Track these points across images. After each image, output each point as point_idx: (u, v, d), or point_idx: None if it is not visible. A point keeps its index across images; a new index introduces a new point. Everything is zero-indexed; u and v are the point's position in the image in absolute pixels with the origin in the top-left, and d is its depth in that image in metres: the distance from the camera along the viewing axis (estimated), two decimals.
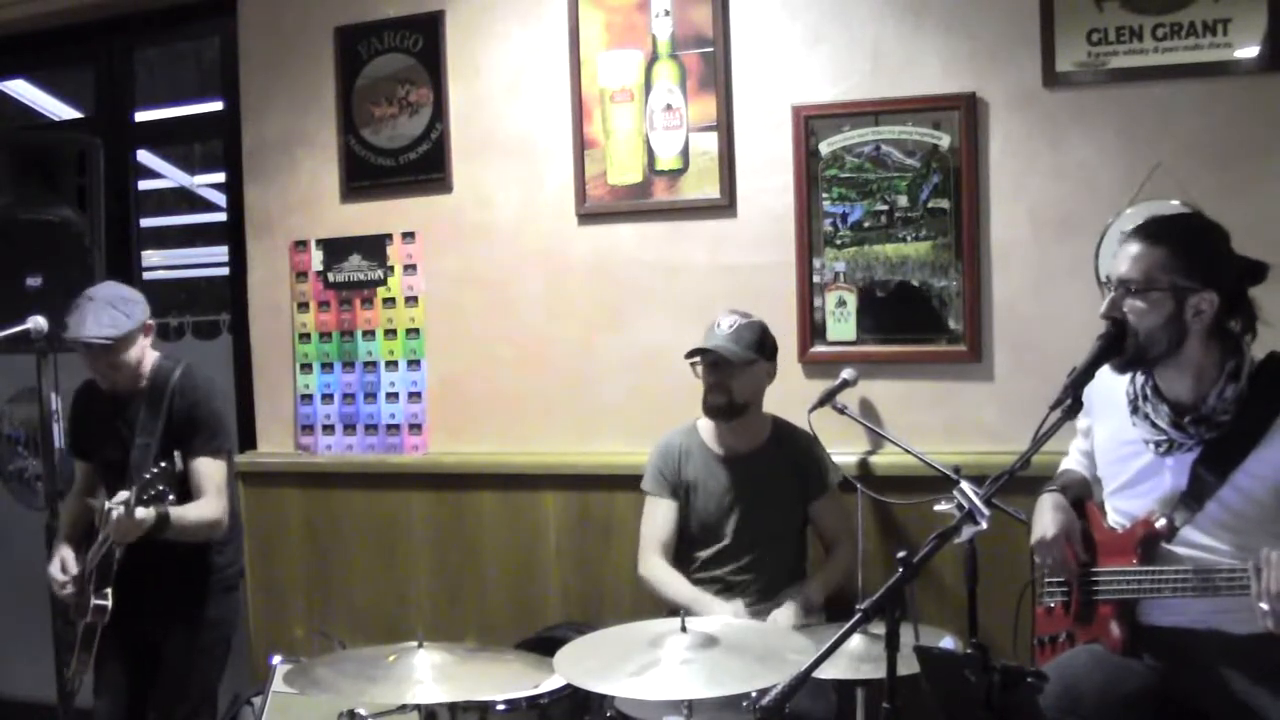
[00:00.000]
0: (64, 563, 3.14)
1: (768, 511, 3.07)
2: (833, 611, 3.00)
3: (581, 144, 3.58)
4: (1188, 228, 2.36)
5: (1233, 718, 2.19)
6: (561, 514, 3.65)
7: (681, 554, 3.12)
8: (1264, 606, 2.02)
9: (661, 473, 3.14)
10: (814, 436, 3.15)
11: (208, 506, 3.07)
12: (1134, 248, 2.24)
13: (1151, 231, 2.27)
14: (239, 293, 4.13)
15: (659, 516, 3.12)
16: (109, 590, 2.99)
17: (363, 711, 2.80)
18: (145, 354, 3.16)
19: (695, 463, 3.13)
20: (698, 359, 3.05)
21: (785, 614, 2.90)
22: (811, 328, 3.36)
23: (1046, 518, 2.39)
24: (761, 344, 3.05)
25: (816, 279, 3.36)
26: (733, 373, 3.01)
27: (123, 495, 2.83)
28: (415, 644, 2.51)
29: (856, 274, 3.32)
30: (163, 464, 2.85)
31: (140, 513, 2.82)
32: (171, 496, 2.86)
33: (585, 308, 3.63)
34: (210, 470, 3.11)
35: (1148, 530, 2.26)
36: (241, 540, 3.40)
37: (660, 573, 3.06)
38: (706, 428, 3.16)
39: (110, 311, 3.03)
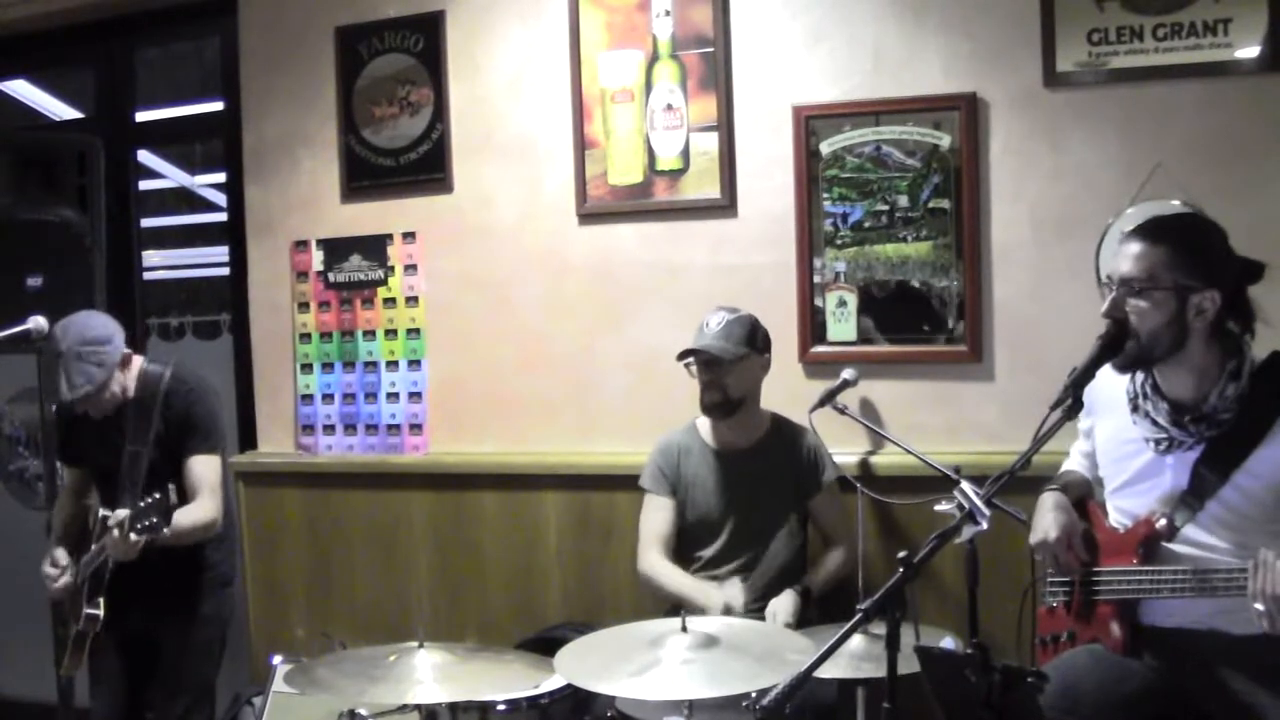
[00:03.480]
0: (54, 559, 3.14)
1: (766, 507, 3.07)
2: (833, 611, 2.99)
3: (582, 144, 3.58)
4: (1189, 227, 2.36)
5: (1232, 718, 2.19)
6: (562, 514, 3.65)
7: (681, 552, 3.12)
8: (1259, 607, 2.02)
9: (661, 470, 3.15)
10: (813, 432, 3.15)
11: (201, 509, 3.07)
12: (1136, 246, 2.24)
13: (1153, 231, 2.27)
14: (239, 293, 4.13)
15: (658, 514, 3.13)
16: (101, 600, 2.99)
17: (363, 711, 2.80)
18: (129, 375, 3.12)
19: (694, 460, 3.13)
20: (690, 359, 3.06)
21: (784, 603, 2.91)
22: (812, 328, 3.36)
23: (1048, 518, 2.39)
24: (752, 338, 3.06)
25: (817, 279, 3.36)
26: (725, 370, 3.02)
27: (120, 514, 2.82)
28: (415, 644, 2.51)
29: (857, 274, 3.32)
30: (157, 495, 2.82)
31: (133, 537, 2.80)
32: (166, 530, 2.82)
33: (586, 308, 3.63)
34: (204, 469, 3.10)
35: (1148, 530, 2.26)
36: (235, 538, 3.39)
37: (659, 567, 3.07)
38: (705, 425, 3.17)
39: (80, 366, 2.95)
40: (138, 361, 3.18)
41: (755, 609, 2.93)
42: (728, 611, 2.84)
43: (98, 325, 3.05)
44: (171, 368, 3.17)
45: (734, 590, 2.93)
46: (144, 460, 3.06)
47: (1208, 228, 2.30)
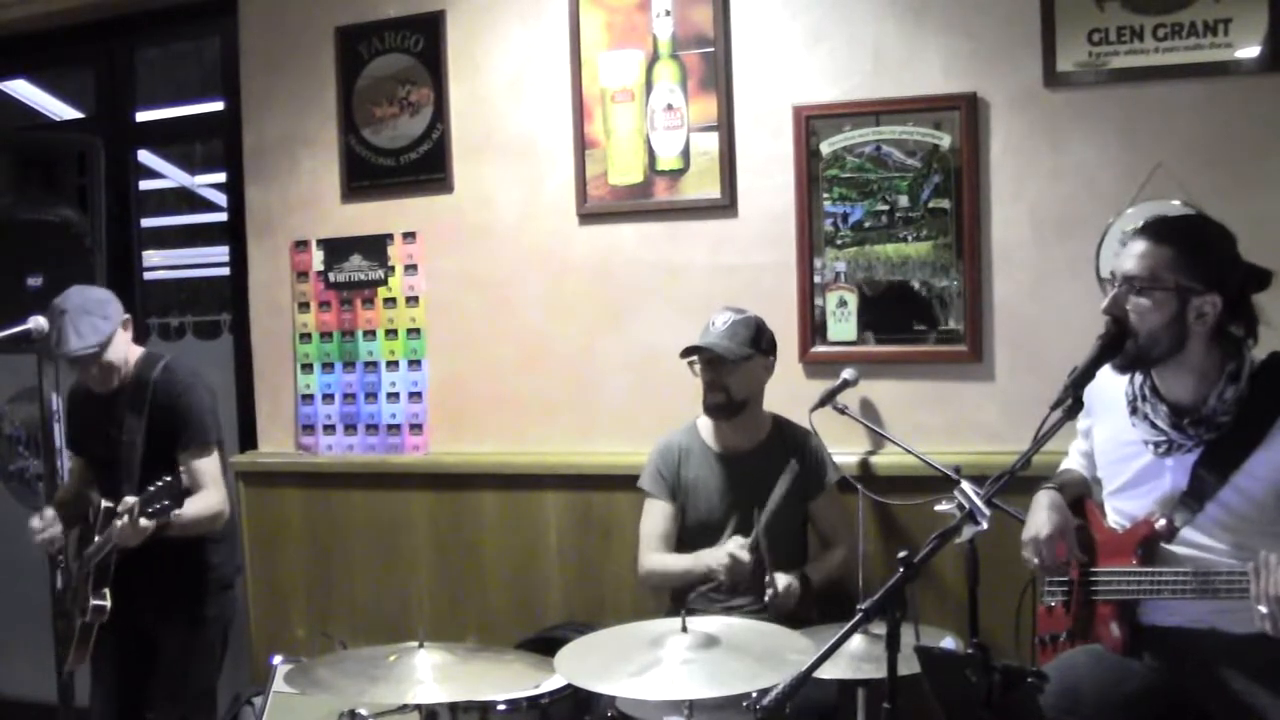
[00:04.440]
0: (43, 514, 3.16)
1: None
2: (833, 611, 2.99)
3: (582, 144, 3.58)
4: (1196, 229, 2.35)
5: (1232, 718, 2.19)
6: (562, 514, 3.65)
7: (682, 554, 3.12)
8: (1262, 609, 2.02)
9: (660, 472, 3.15)
10: (814, 434, 3.15)
11: (207, 499, 3.08)
12: (1140, 245, 2.24)
13: (1159, 230, 2.27)
14: (240, 293, 4.13)
15: (658, 516, 3.13)
16: (107, 590, 2.99)
17: (363, 711, 2.80)
18: (129, 350, 3.16)
19: (694, 462, 3.13)
20: (694, 358, 3.06)
21: (784, 579, 2.89)
22: (812, 328, 3.36)
23: (1041, 516, 2.38)
24: (757, 339, 3.05)
25: (817, 279, 3.36)
26: (729, 370, 3.01)
27: (128, 501, 2.83)
28: (416, 644, 2.51)
29: (857, 274, 3.32)
30: (168, 478, 2.84)
31: (144, 522, 2.82)
32: (176, 512, 2.85)
33: (586, 308, 3.63)
34: (203, 464, 3.11)
35: (1148, 531, 2.26)
36: (237, 538, 3.40)
37: (657, 560, 3.08)
38: (706, 426, 3.16)
39: (87, 319, 3.01)
40: (135, 347, 3.20)
41: (756, 609, 2.93)
42: (734, 562, 2.83)
43: (98, 290, 3.17)
44: (165, 360, 3.19)
45: (733, 545, 2.90)
46: (139, 451, 3.07)
47: (1215, 231, 2.29)
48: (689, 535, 3.12)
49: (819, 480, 3.11)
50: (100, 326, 3.03)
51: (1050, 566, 2.37)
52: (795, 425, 3.17)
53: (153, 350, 3.25)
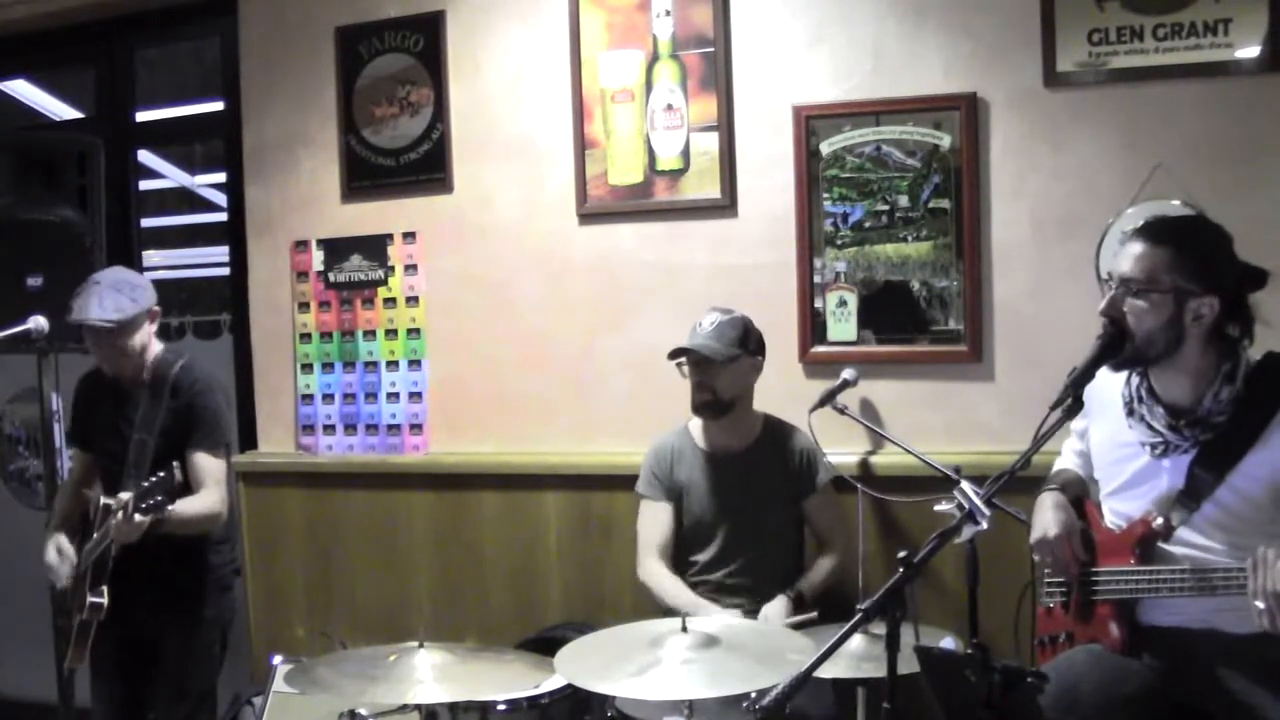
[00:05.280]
0: (60, 549, 3.13)
1: (761, 510, 3.07)
2: (832, 612, 2.99)
3: (582, 144, 3.58)
4: (1193, 230, 2.36)
5: (1232, 717, 2.19)
6: (562, 514, 3.65)
7: (678, 557, 3.12)
8: (1259, 604, 2.02)
9: (655, 475, 3.15)
10: (806, 433, 3.15)
11: (206, 499, 3.08)
12: (1137, 247, 2.24)
13: (1156, 232, 2.27)
14: (240, 293, 4.13)
15: (654, 519, 3.13)
16: (104, 588, 2.99)
17: (363, 711, 2.80)
18: (150, 342, 3.17)
19: (687, 464, 3.13)
20: (682, 359, 3.06)
21: (776, 608, 2.90)
22: (812, 328, 3.36)
23: (1048, 516, 2.39)
24: (744, 340, 3.05)
25: (817, 279, 3.36)
26: (716, 371, 3.02)
27: (123, 497, 2.83)
28: (416, 644, 2.51)
29: (857, 274, 3.32)
30: (161, 474, 2.84)
31: (138, 518, 2.82)
32: (170, 508, 2.84)
33: (586, 308, 3.63)
34: (208, 465, 3.12)
35: (1145, 530, 2.26)
36: (238, 539, 3.39)
37: (659, 578, 3.06)
38: (697, 428, 3.17)
39: (115, 296, 3.03)
40: (156, 342, 3.20)
41: (749, 611, 2.93)
42: None
43: (137, 275, 3.20)
44: (184, 359, 3.19)
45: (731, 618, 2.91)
46: (150, 450, 3.07)
47: (1212, 232, 2.29)
48: (684, 536, 3.12)
49: (811, 480, 3.11)
50: (125, 306, 3.04)
51: (1062, 566, 2.37)
52: (786, 425, 3.17)
53: (171, 349, 3.25)
